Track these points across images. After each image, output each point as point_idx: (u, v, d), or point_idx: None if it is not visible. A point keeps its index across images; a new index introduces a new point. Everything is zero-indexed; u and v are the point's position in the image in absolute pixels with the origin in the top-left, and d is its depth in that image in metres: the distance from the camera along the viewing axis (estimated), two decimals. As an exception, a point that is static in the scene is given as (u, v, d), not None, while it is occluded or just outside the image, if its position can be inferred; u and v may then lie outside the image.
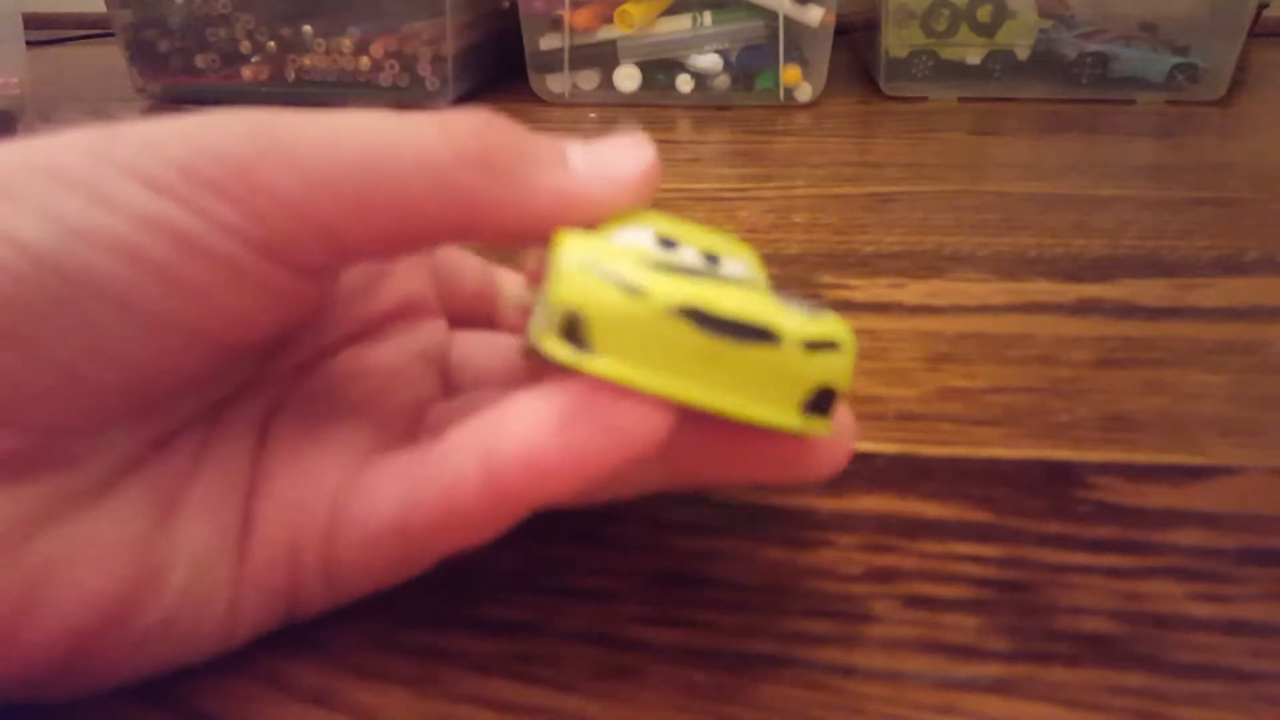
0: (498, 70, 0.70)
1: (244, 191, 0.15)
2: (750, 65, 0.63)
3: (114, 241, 0.14)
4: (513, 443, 0.16)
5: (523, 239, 0.17)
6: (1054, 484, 0.23)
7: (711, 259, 0.18)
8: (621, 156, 0.18)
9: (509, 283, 0.24)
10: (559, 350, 0.15)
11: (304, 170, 0.15)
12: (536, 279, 0.18)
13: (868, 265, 0.36)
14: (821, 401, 0.16)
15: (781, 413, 0.16)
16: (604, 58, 0.63)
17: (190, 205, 0.15)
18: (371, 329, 0.21)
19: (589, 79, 0.64)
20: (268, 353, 0.19)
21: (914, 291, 0.34)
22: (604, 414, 0.15)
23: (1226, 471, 0.24)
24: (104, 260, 0.14)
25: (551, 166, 0.17)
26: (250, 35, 0.62)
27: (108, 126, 0.15)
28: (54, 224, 0.14)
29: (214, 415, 0.18)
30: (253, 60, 0.63)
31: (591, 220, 0.17)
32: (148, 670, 0.17)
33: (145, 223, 0.14)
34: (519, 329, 0.22)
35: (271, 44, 0.62)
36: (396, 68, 0.62)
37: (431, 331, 0.22)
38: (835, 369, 0.16)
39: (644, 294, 0.15)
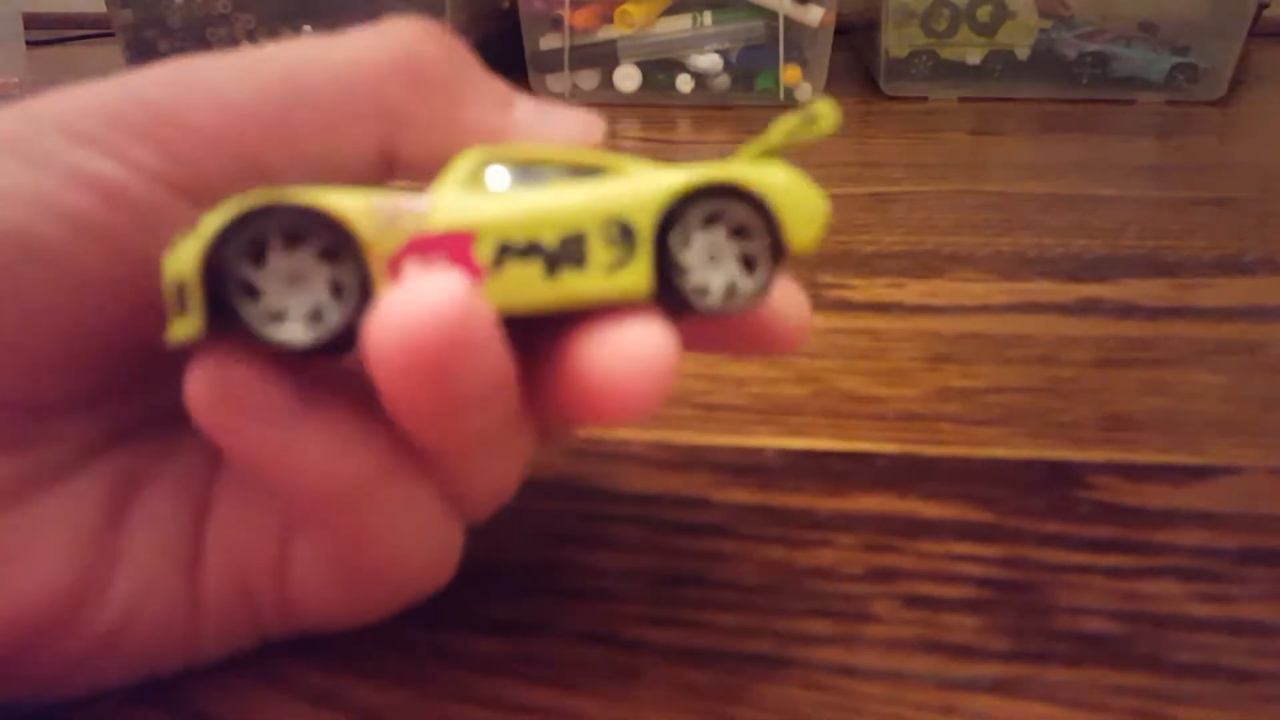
0: (498, 70, 0.69)
1: (166, 131, 0.14)
2: (750, 65, 0.63)
3: (40, 199, 0.14)
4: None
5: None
6: (1054, 484, 0.23)
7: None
8: (570, 125, 0.17)
9: None
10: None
11: (222, 102, 0.15)
12: None
13: (868, 265, 0.36)
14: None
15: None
16: (604, 58, 0.63)
17: (114, 153, 0.14)
18: None
19: (589, 79, 0.64)
20: None
21: (914, 291, 0.34)
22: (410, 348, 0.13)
23: (1226, 471, 0.24)
24: (32, 219, 0.14)
25: (492, 104, 0.16)
26: (250, 35, 0.63)
27: (66, 87, 0.15)
28: None
29: (178, 423, 0.17)
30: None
31: None
32: (113, 680, 0.17)
33: (70, 176, 0.14)
34: None
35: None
36: (396, 68, 0.62)
37: None
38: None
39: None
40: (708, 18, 0.62)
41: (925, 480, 0.23)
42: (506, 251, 0.14)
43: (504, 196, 0.15)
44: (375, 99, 0.15)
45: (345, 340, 0.14)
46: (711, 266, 0.15)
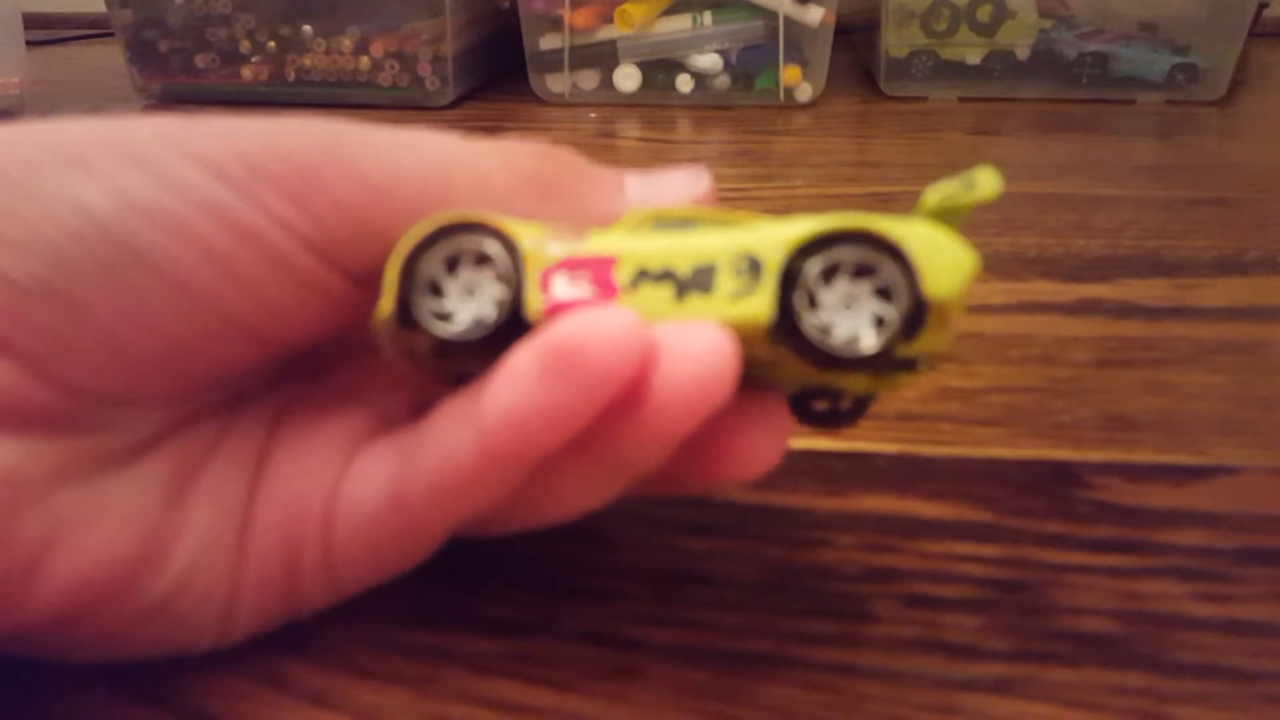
0: (498, 70, 0.70)
1: (305, 192, 0.16)
2: (750, 65, 0.63)
3: (171, 219, 0.15)
4: (495, 403, 0.15)
5: None
6: (1054, 484, 0.23)
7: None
8: (678, 186, 0.18)
9: None
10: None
11: (365, 179, 0.16)
12: None
13: (868, 265, 0.36)
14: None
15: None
16: (604, 58, 0.63)
17: (251, 197, 0.15)
18: None
19: (589, 79, 0.64)
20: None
21: (914, 291, 0.34)
22: (573, 358, 0.14)
23: (1226, 471, 0.24)
24: (158, 236, 0.15)
25: (607, 192, 0.18)
26: (250, 35, 0.62)
27: (189, 117, 0.16)
28: (118, 196, 0.15)
29: (236, 403, 0.18)
30: (253, 60, 0.63)
31: None
32: (144, 650, 0.17)
33: (204, 207, 0.15)
34: None
35: (271, 44, 0.62)
36: (396, 68, 0.62)
37: None
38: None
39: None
40: (708, 18, 0.62)
41: (925, 480, 0.23)
42: (643, 276, 0.16)
43: (652, 236, 0.16)
44: (507, 205, 0.17)
45: (496, 341, 0.16)
46: (843, 313, 0.15)
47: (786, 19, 0.61)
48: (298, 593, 0.18)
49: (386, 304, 0.16)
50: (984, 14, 0.63)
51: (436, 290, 0.16)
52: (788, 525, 0.22)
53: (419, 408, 0.20)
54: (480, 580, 0.20)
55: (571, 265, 0.16)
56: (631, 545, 0.21)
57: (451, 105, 0.63)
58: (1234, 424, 0.26)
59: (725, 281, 0.15)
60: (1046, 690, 0.17)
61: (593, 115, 0.62)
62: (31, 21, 0.65)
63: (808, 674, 0.18)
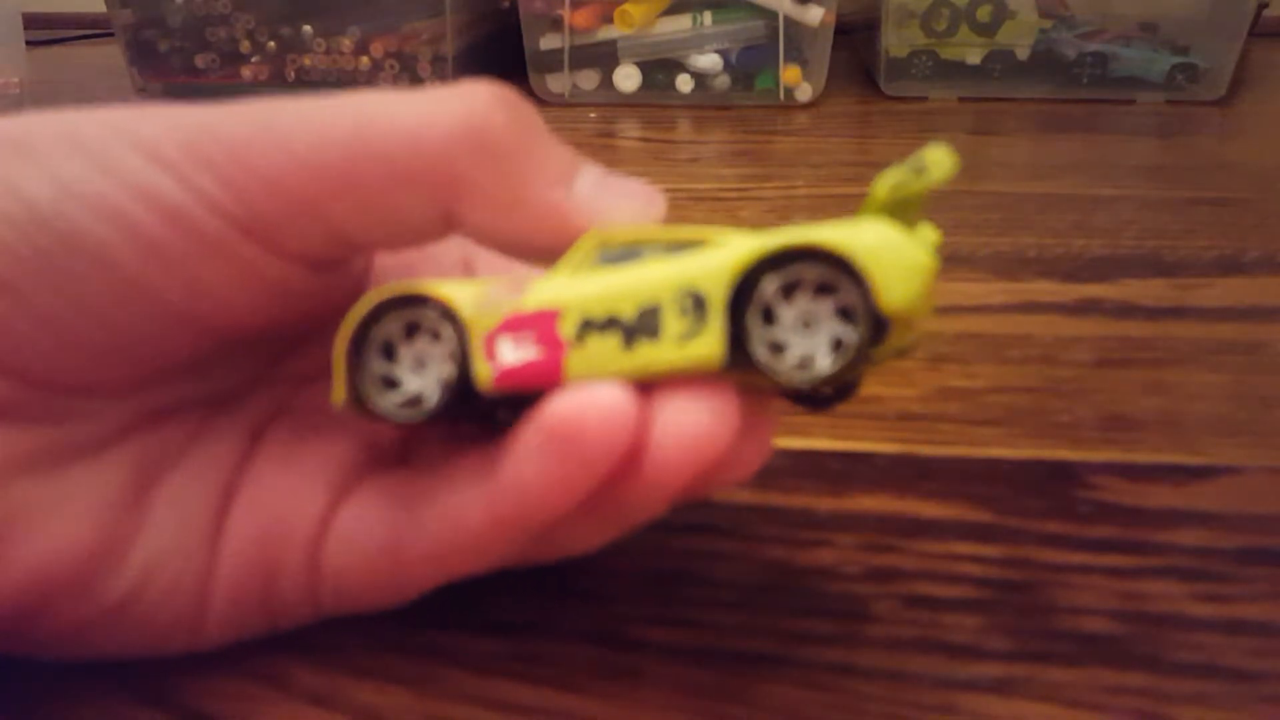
0: (498, 70, 0.70)
1: (235, 171, 0.15)
2: (750, 65, 0.63)
3: (105, 206, 0.15)
4: (504, 476, 0.15)
5: (506, 244, 0.17)
6: (1054, 484, 0.23)
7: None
8: (631, 199, 0.17)
9: None
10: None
11: (294, 151, 0.15)
12: None
13: (868, 265, 0.36)
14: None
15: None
16: (604, 58, 0.63)
17: (183, 180, 0.15)
18: None
19: (589, 79, 0.64)
20: (273, 354, 0.19)
21: (914, 291, 0.34)
22: (573, 438, 0.15)
23: (1226, 471, 0.24)
24: (93, 222, 0.15)
25: (555, 180, 0.16)
26: (250, 35, 0.62)
27: (142, 105, 0.16)
28: (57, 183, 0.15)
29: (211, 408, 0.18)
30: (253, 60, 0.63)
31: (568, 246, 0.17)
32: (110, 652, 0.17)
33: (138, 192, 0.15)
34: None
35: (271, 44, 0.62)
36: (396, 68, 0.62)
37: None
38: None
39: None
40: (708, 18, 0.62)
41: (925, 480, 0.23)
42: (588, 326, 0.15)
43: (595, 276, 0.15)
44: (439, 167, 0.16)
45: (456, 408, 0.16)
46: (800, 332, 0.15)
47: (786, 19, 0.61)
48: (275, 607, 0.18)
49: (339, 390, 0.16)
50: (984, 14, 0.63)
51: (388, 364, 0.17)
52: (788, 525, 0.22)
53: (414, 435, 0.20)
54: (480, 580, 0.20)
55: (515, 325, 0.16)
56: (631, 545, 0.21)
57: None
58: (1234, 424, 0.26)
59: (671, 323, 0.15)
60: (1046, 690, 0.17)
61: (593, 115, 0.62)
62: (31, 21, 0.65)
63: (808, 674, 0.18)
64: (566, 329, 0.15)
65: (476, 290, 0.16)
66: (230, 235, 0.15)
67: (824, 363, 0.14)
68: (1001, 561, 0.21)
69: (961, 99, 0.63)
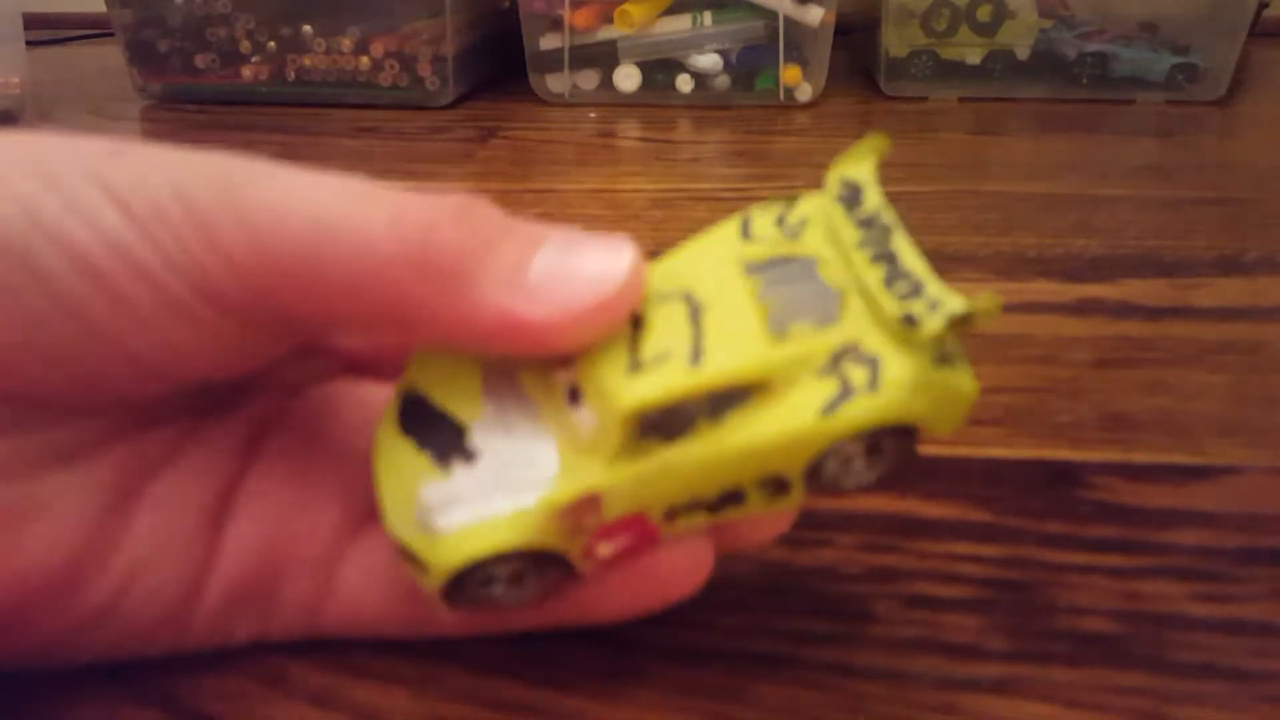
0: (498, 70, 0.69)
1: (197, 244, 0.15)
2: (750, 65, 0.63)
3: (75, 249, 0.14)
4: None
5: (475, 349, 0.17)
6: (1054, 484, 0.23)
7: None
8: (594, 264, 0.16)
9: None
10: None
11: (255, 236, 0.15)
12: None
13: (868, 265, 0.36)
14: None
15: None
16: (604, 58, 0.63)
17: (150, 239, 0.14)
18: (373, 362, 0.20)
19: (589, 79, 0.64)
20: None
21: (914, 291, 0.34)
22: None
23: (1226, 471, 0.24)
24: (59, 263, 0.14)
25: (502, 282, 0.15)
26: (250, 35, 0.62)
27: (114, 145, 0.15)
28: (28, 214, 0.14)
29: (198, 416, 0.18)
30: (253, 60, 0.63)
31: (541, 351, 0.16)
32: (87, 658, 0.17)
33: (111, 245, 0.14)
34: None
35: (271, 44, 0.62)
36: (396, 68, 0.62)
37: None
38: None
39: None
40: (708, 18, 0.62)
41: (925, 480, 0.23)
42: (674, 511, 0.16)
43: (660, 466, 0.15)
44: (385, 289, 0.15)
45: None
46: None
47: (786, 19, 0.61)
48: (270, 619, 0.18)
49: (432, 584, 0.16)
50: (984, 14, 0.63)
51: (487, 589, 0.16)
52: (788, 525, 0.22)
53: None
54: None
55: (608, 532, 0.16)
56: (631, 545, 0.21)
57: (451, 105, 0.63)
58: (1234, 424, 0.26)
59: (755, 497, 0.16)
60: (1046, 690, 0.17)
61: (593, 115, 0.62)
62: (31, 21, 0.65)
63: (808, 674, 0.18)
64: (655, 518, 0.16)
65: (547, 507, 0.15)
66: (194, 300, 0.15)
67: (866, 475, 0.16)
68: (1001, 561, 0.21)
69: (961, 99, 0.63)
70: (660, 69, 0.63)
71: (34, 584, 0.15)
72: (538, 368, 0.16)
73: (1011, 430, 0.25)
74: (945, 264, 0.36)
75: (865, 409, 0.15)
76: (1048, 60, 0.63)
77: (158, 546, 0.17)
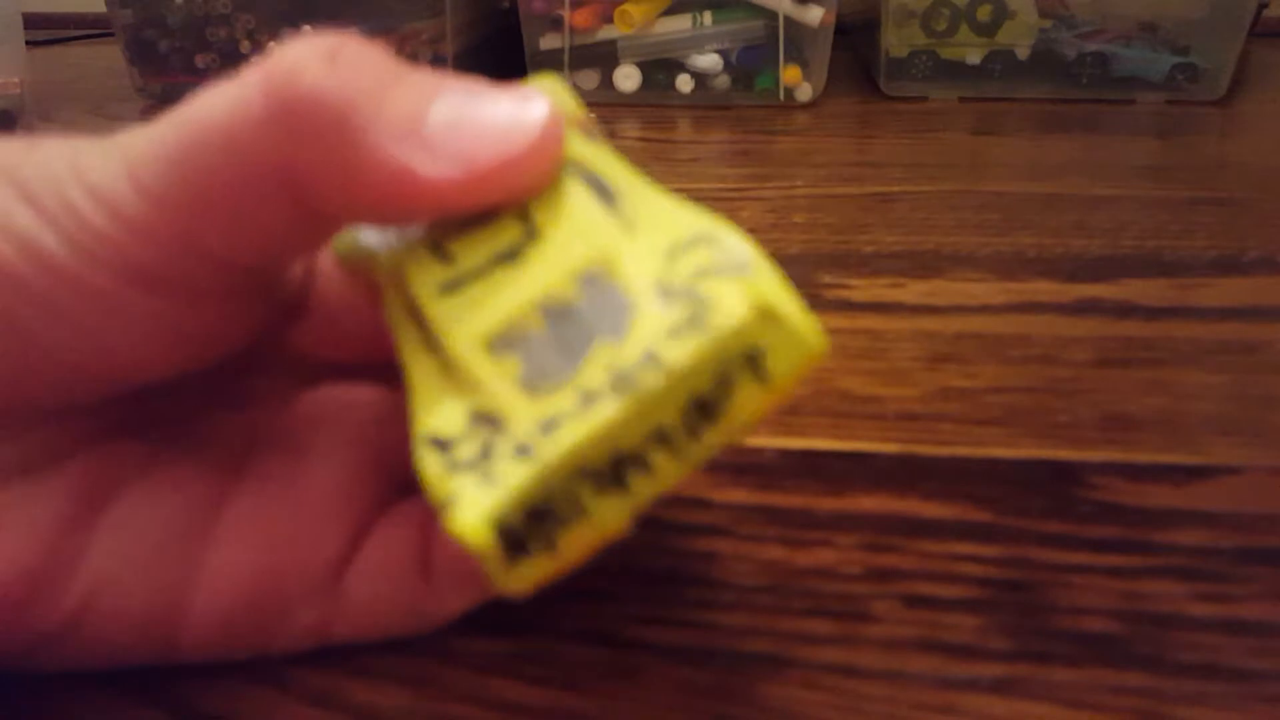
0: (498, 70, 0.70)
1: (104, 222, 0.14)
2: (750, 65, 0.63)
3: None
4: None
5: (376, 216, 0.15)
6: (1054, 484, 0.23)
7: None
8: (493, 130, 0.14)
9: None
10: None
11: (144, 186, 0.14)
12: None
13: (868, 265, 0.36)
14: None
15: None
16: (604, 58, 0.63)
17: (59, 230, 0.14)
18: (353, 368, 0.20)
19: (589, 79, 0.64)
20: (231, 375, 0.18)
21: (914, 291, 0.34)
22: None
23: (1226, 471, 0.24)
24: None
25: (394, 134, 0.14)
26: (250, 35, 0.62)
27: (29, 141, 0.15)
28: None
29: (173, 426, 0.18)
30: (253, 60, 0.63)
31: (440, 210, 0.14)
32: (60, 667, 0.17)
33: (20, 241, 0.14)
34: None
35: (272, 44, 0.62)
36: (396, 68, 0.62)
37: None
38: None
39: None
40: (708, 18, 0.62)
41: (925, 480, 0.23)
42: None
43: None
44: (260, 160, 0.14)
45: None
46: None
47: (786, 19, 0.61)
48: (274, 635, 0.18)
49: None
50: (984, 14, 0.63)
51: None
52: (788, 525, 0.22)
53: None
54: (480, 580, 0.20)
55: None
56: (631, 546, 0.21)
57: (451, 105, 0.63)
58: (1234, 424, 0.26)
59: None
60: (1046, 690, 0.17)
61: (592, 115, 0.62)
62: (31, 21, 0.65)
63: (808, 674, 0.18)
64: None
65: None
66: (119, 287, 0.14)
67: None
68: (1001, 561, 0.21)
69: (962, 99, 0.63)
70: (660, 69, 0.63)
71: None
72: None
73: (1011, 430, 0.25)
74: (945, 264, 0.36)
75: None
76: (1048, 60, 0.63)
77: (124, 562, 0.16)
